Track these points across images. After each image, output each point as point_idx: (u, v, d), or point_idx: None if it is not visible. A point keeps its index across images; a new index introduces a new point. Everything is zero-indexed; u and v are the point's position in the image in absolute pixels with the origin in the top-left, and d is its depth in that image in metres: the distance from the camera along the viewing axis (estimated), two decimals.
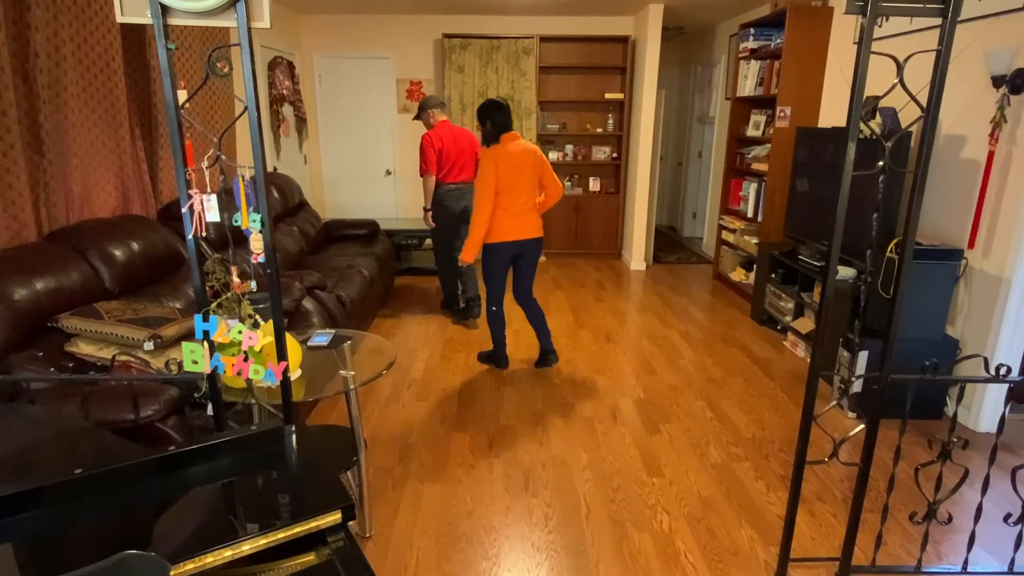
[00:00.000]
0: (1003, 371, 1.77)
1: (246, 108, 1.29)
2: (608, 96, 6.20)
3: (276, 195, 4.58)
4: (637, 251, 6.08)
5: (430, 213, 4.39)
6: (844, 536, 1.96)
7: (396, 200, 6.72)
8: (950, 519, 2.02)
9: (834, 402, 2.03)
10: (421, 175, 4.33)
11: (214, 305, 1.44)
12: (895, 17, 1.71)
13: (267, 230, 1.37)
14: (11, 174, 2.44)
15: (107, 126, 3.04)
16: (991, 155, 2.92)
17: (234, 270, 1.46)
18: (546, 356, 3.73)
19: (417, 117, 4.39)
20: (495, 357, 3.72)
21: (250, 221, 1.35)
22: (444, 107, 4.35)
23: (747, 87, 5.04)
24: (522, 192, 3.35)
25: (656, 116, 5.80)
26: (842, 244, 2.56)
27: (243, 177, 1.32)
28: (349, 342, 2.37)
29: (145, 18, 1.26)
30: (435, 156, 4.21)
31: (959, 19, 1.73)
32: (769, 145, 4.64)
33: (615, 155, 6.43)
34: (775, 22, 4.67)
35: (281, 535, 1.01)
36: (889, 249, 2.99)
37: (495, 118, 3.36)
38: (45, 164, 2.64)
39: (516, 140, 3.36)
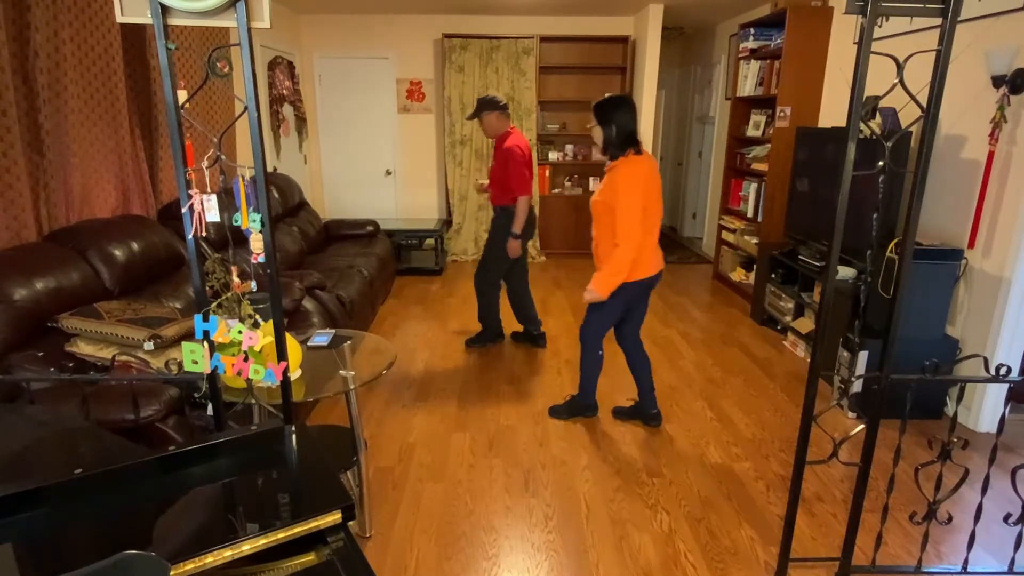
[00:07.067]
0: (1003, 371, 1.77)
1: (246, 108, 1.29)
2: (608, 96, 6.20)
3: (276, 195, 4.58)
4: None
5: (519, 241, 3.64)
6: (844, 536, 1.96)
7: (396, 200, 6.72)
8: (950, 519, 2.02)
9: (834, 402, 2.03)
10: (517, 195, 3.55)
11: (214, 305, 1.44)
12: (895, 17, 1.71)
13: (267, 230, 1.37)
14: (11, 174, 2.44)
15: (107, 126, 3.04)
16: (991, 155, 2.92)
17: (234, 270, 1.46)
18: (646, 414, 3.02)
19: (474, 116, 3.62)
20: (583, 406, 3.08)
21: (250, 221, 1.35)
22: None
23: (747, 87, 5.04)
24: (658, 213, 2.71)
25: (656, 116, 5.81)
26: (842, 244, 2.55)
27: (243, 177, 1.32)
28: (349, 342, 2.37)
29: (145, 18, 1.26)
30: (531, 172, 3.61)
31: (959, 19, 1.73)
32: (769, 145, 4.64)
33: None
34: (775, 22, 4.67)
35: (281, 535, 1.01)
36: (889, 249, 2.99)
37: (620, 120, 2.67)
38: (45, 164, 2.64)
39: (643, 147, 2.73)
